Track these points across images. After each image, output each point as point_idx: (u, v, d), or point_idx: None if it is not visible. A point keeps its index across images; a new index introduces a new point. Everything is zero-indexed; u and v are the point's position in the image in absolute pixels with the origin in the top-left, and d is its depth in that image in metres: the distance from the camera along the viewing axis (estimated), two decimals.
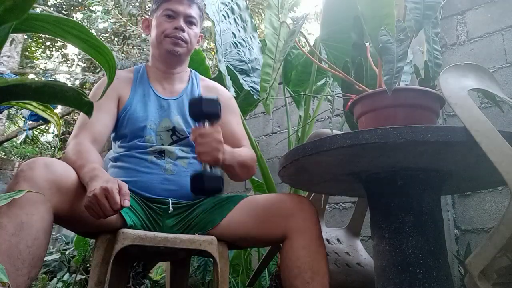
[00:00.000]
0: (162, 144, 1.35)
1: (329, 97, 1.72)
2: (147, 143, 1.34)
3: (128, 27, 6.17)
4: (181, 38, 1.40)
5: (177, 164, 1.34)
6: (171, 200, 1.30)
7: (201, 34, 1.51)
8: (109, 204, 1.00)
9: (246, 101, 2.28)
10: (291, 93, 2.21)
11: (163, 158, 1.34)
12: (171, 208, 1.29)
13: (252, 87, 2.14)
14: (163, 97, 1.42)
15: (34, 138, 9.19)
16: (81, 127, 1.29)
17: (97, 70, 7.46)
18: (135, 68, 1.49)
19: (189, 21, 1.43)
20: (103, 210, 1.00)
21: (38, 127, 8.24)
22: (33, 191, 0.93)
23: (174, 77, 1.47)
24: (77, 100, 0.59)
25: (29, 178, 1.01)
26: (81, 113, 1.35)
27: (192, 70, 1.54)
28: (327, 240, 1.51)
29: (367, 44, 1.21)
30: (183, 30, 1.40)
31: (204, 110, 1.15)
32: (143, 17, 1.54)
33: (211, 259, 1.26)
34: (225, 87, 1.92)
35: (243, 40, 2.20)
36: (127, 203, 1.02)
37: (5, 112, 6.16)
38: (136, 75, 1.45)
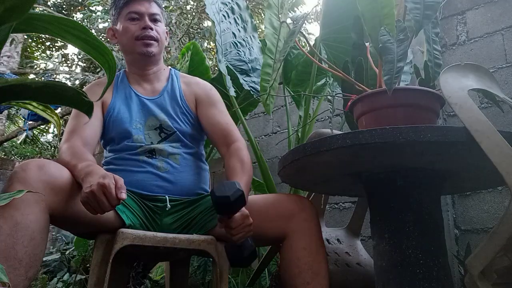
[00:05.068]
0: (151, 143, 1.35)
1: (329, 97, 1.72)
2: (136, 143, 1.34)
3: None
4: (151, 37, 1.41)
5: (169, 161, 1.35)
6: (168, 197, 1.31)
7: (167, 30, 1.52)
8: (107, 200, 1.00)
9: (246, 101, 2.28)
10: (291, 93, 2.21)
11: (154, 157, 1.34)
12: (168, 205, 1.29)
13: (252, 87, 2.14)
14: (144, 97, 1.42)
15: (34, 138, 9.19)
16: (71, 132, 1.30)
17: (97, 70, 7.46)
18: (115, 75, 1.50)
19: (154, 19, 1.43)
20: (100, 205, 1.01)
21: (38, 127, 8.24)
22: (32, 191, 0.93)
23: (152, 77, 1.47)
24: (77, 100, 0.59)
25: (23, 180, 1.02)
26: (70, 119, 1.36)
27: (172, 69, 1.55)
28: (327, 240, 1.51)
29: (367, 44, 1.20)
30: (151, 29, 1.41)
31: (235, 209, 1.09)
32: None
33: (211, 259, 1.26)
34: (225, 87, 1.92)
35: (243, 40, 2.20)
36: (123, 195, 1.02)
37: (5, 112, 6.15)
38: (116, 80, 1.46)
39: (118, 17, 1.45)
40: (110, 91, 1.42)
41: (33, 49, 10.06)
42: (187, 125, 1.41)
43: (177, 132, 1.38)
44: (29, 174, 1.03)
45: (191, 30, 6.54)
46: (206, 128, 1.42)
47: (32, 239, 0.97)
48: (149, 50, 1.41)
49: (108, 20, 6.14)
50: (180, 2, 6.60)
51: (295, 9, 6.34)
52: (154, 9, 1.44)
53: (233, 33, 2.16)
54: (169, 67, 1.56)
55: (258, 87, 2.07)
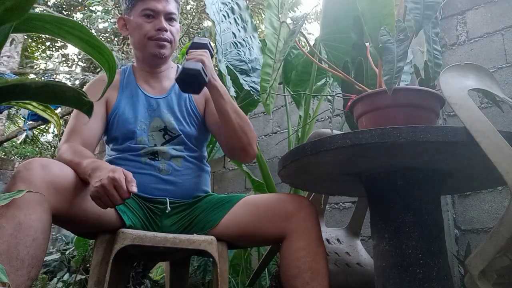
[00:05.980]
0: (155, 145, 1.34)
1: (329, 97, 1.72)
2: (139, 144, 1.33)
3: None
4: (165, 39, 1.37)
5: (171, 164, 1.34)
6: (169, 199, 1.30)
7: (180, 25, 1.49)
8: (118, 193, 1.00)
9: (246, 101, 2.28)
10: (291, 93, 2.21)
11: (157, 159, 1.33)
12: (168, 208, 1.29)
13: (252, 87, 2.13)
14: (152, 96, 1.40)
15: (34, 138, 9.19)
16: (70, 133, 1.29)
17: (97, 70, 7.47)
18: (122, 69, 1.47)
19: (170, 18, 1.39)
20: (111, 199, 1.01)
21: (38, 127, 8.24)
22: (34, 191, 0.93)
23: (160, 75, 1.45)
24: (77, 100, 0.59)
25: (26, 179, 1.01)
26: (71, 118, 1.35)
27: (179, 66, 1.51)
28: (327, 240, 1.51)
29: (367, 44, 1.20)
30: (166, 30, 1.37)
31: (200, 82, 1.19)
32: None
33: (211, 259, 1.26)
34: (225, 87, 1.92)
35: (243, 40, 2.20)
36: (134, 189, 1.03)
37: (5, 112, 6.15)
38: (122, 76, 1.43)
39: (132, 9, 1.39)
40: (116, 89, 1.40)
41: (33, 49, 10.06)
42: (192, 126, 1.40)
43: (182, 135, 1.37)
44: (33, 173, 1.02)
45: (191, 30, 6.55)
46: (215, 126, 1.39)
47: (34, 240, 0.97)
48: (162, 51, 1.38)
49: (108, 20, 6.15)
50: (180, 2, 6.61)
51: (295, 9, 6.34)
52: (171, 7, 1.39)
53: (233, 33, 2.16)
54: (177, 64, 1.54)
55: (258, 87, 2.07)
